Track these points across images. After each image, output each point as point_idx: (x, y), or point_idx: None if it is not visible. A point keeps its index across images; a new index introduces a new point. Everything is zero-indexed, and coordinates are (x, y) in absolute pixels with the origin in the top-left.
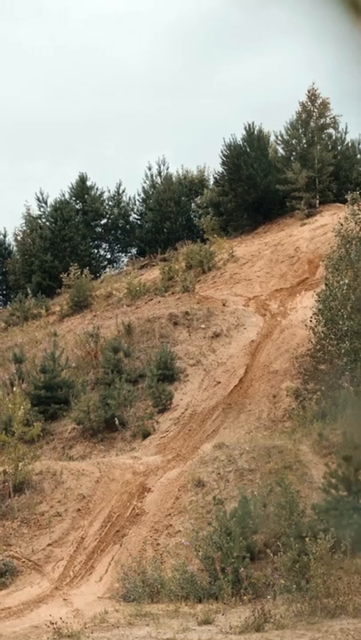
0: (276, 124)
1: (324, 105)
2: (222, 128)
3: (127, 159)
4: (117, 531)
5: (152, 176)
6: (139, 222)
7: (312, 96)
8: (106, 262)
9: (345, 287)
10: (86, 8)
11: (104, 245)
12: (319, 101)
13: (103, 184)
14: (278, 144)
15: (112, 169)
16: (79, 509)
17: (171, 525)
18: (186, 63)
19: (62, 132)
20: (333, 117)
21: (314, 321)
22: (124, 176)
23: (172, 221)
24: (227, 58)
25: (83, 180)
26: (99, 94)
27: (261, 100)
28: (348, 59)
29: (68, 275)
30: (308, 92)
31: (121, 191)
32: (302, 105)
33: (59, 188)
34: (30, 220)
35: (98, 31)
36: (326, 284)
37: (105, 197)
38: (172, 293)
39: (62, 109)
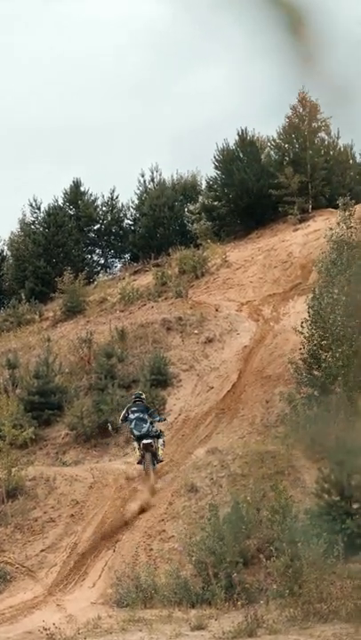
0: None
1: (315, 108)
2: (218, 132)
3: (122, 165)
4: (111, 536)
5: (145, 182)
6: (132, 228)
7: (302, 99)
8: (99, 268)
9: (335, 293)
10: (83, 16)
11: (97, 251)
12: (309, 105)
13: (98, 190)
14: (271, 148)
15: (108, 176)
16: (72, 515)
17: (164, 531)
18: (177, 66)
19: (58, 140)
20: (324, 121)
21: (305, 328)
22: (118, 182)
23: (166, 227)
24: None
25: (77, 185)
26: (92, 101)
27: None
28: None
29: (62, 280)
30: (299, 94)
31: (115, 197)
32: (293, 108)
33: (55, 194)
34: (24, 226)
35: (93, 39)
36: (313, 293)
37: (98, 203)
38: (166, 299)
39: (57, 117)
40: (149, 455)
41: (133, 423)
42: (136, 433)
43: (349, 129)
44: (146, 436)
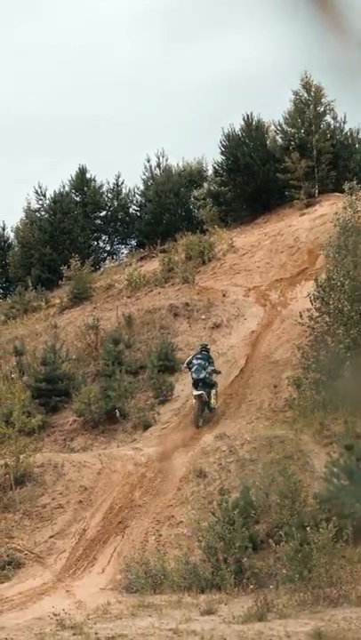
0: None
1: (319, 92)
2: (222, 119)
3: (127, 153)
4: (119, 522)
5: (151, 168)
6: (138, 214)
7: (306, 84)
8: (105, 254)
9: (342, 275)
10: (82, 7)
11: (103, 237)
12: (313, 89)
13: (104, 176)
14: (277, 133)
15: (113, 163)
16: (81, 501)
17: (173, 516)
18: (180, 51)
19: (62, 129)
20: (328, 104)
21: (305, 317)
22: (124, 169)
23: (172, 213)
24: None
25: (82, 172)
26: (97, 89)
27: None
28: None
29: (69, 267)
30: (302, 80)
31: (120, 183)
32: (296, 93)
33: (59, 183)
34: (30, 214)
35: (92, 27)
36: (315, 281)
37: (104, 189)
38: (172, 284)
39: (61, 106)
40: (199, 404)
41: (195, 368)
42: (194, 376)
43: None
44: (202, 380)
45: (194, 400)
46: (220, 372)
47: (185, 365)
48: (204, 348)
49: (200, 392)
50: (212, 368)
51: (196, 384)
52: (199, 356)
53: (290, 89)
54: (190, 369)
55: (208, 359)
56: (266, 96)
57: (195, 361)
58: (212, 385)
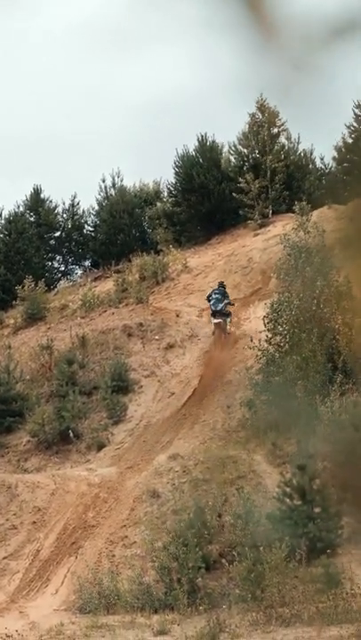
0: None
1: (273, 115)
2: (178, 140)
3: (87, 173)
4: (73, 543)
5: (106, 188)
6: (92, 234)
7: (261, 106)
8: (60, 274)
9: (292, 296)
10: (43, 27)
11: (58, 258)
12: (268, 112)
13: (59, 197)
14: (231, 154)
15: (73, 183)
16: (34, 522)
17: (126, 537)
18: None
19: (20, 149)
20: (282, 125)
21: (257, 343)
22: (81, 188)
23: (126, 233)
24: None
25: (37, 192)
26: (56, 110)
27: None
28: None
29: (23, 287)
30: (257, 102)
31: (76, 204)
32: (252, 115)
33: (17, 200)
34: None
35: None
36: (271, 305)
37: (59, 210)
38: (126, 305)
39: (19, 125)
40: (219, 330)
41: (213, 301)
42: (212, 308)
43: (301, 104)
44: (219, 312)
45: (213, 327)
46: (233, 304)
47: (205, 299)
48: (221, 285)
49: (218, 320)
50: (227, 301)
51: (213, 314)
52: (217, 291)
53: (243, 109)
54: (210, 302)
55: (224, 294)
56: (219, 116)
57: (213, 295)
58: (228, 315)
